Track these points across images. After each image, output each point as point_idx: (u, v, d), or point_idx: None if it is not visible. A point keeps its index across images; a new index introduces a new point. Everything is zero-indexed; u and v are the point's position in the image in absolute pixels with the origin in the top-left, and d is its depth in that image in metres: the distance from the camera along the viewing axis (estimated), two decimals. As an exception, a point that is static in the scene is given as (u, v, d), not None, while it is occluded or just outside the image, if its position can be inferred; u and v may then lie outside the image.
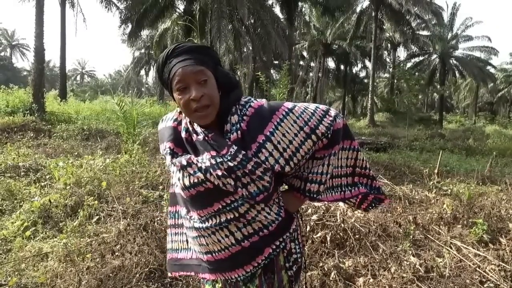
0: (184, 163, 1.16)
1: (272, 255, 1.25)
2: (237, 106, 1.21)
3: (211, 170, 1.12)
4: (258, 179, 1.14)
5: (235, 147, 1.13)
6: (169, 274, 1.46)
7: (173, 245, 1.43)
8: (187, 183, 1.17)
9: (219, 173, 1.12)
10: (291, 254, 1.31)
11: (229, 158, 1.12)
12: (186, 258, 1.38)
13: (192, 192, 1.18)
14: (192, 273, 1.37)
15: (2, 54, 60.84)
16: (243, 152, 1.13)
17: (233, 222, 1.19)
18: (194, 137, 1.19)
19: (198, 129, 1.18)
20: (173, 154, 1.21)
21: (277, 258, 1.29)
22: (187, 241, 1.38)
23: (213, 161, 1.13)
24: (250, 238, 1.21)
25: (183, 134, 1.22)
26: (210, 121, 1.16)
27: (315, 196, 1.27)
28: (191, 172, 1.15)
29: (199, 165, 1.14)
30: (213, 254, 1.25)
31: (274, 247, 1.24)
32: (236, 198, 1.17)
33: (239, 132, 1.16)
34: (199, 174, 1.14)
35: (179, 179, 1.19)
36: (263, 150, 1.14)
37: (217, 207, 1.18)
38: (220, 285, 1.36)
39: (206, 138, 1.16)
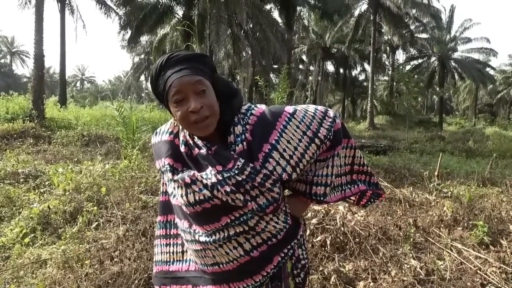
0: (188, 180, 1.09)
1: (281, 263, 1.22)
2: (238, 115, 1.16)
3: (219, 187, 1.06)
4: (267, 191, 1.09)
5: (242, 160, 1.08)
6: None
7: (164, 256, 1.33)
8: (191, 200, 1.10)
9: (228, 189, 1.06)
10: (299, 260, 1.29)
11: (236, 172, 1.06)
12: (181, 270, 1.29)
13: (197, 209, 1.11)
14: (189, 286, 1.28)
15: (2, 61, 60.99)
16: (251, 164, 1.08)
17: (242, 234, 1.15)
18: (196, 151, 1.12)
19: (199, 142, 1.12)
20: (174, 171, 1.14)
21: (285, 265, 1.26)
22: (182, 252, 1.31)
23: (219, 177, 1.06)
24: (259, 247, 1.17)
25: (182, 149, 1.14)
26: (211, 131, 1.10)
27: (321, 198, 1.24)
28: (196, 189, 1.09)
29: (204, 181, 1.08)
30: (220, 266, 1.19)
31: (282, 255, 1.22)
32: (245, 211, 1.12)
33: (244, 143, 1.11)
34: (206, 192, 1.08)
35: (181, 196, 1.13)
36: (270, 160, 1.10)
37: (225, 222, 1.12)
38: None
39: (209, 151, 1.10)
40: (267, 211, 1.12)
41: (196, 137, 1.14)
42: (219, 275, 1.21)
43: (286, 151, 1.13)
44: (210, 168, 1.09)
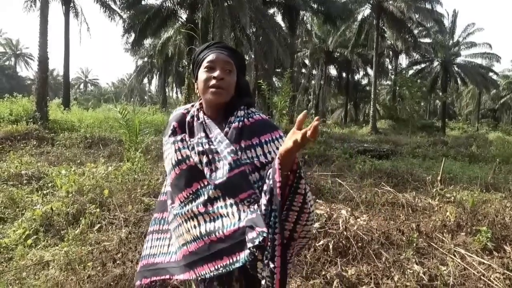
0: (178, 138, 1.34)
1: (229, 267, 1.18)
2: (245, 108, 1.37)
3: (195, 146, 1.28)
4: (223, 158, 1.23)
5: (221, 134, 1.28)
6: (138, 283, 1.45)
7: (152, 250, 1.49)
8: (174, 159, 1.31)
9: (200, 149, 1.27)
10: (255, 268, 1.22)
11: (211, 140, 1.28)
12: (163, 262, 1.42)
13: (176, 170, 1.30)
14: (167, 276, 1.40)
15: (7, 63, 61.30)
16: (226, 140, 1.27)
17: (200, 206, 1.23)
18: (196, 121, 1.35)
19: (201, 115, 1.36)
20: (174, 133, 1.38)
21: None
22: (168, 245, 1.44)
23: (199, 140, 1.29)
24: (210, 236, 1.21)
25: (187, 118, 1.39)
26: (221, 101, 1.32)
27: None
28: (181, 146, 1.31)
29: (189, 142, 1.31)
30: (188, 246, 1.30)
31: (231, 260, 1.18)
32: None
33: (241, 123, 1.31)
34: (186, 150, 1.29)
35: (171, 159, 1.33)
36: (252, 150, 1.28)
37: (195, 188, 1.28)
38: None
39: (204, 123, 1.33)
40: (216, 182, 1.21)
41: (201, 112, 1.37)
42: (187, 258, 1.30)
43: (267, 156, 1.28)
44: (199, 134, 1.32)
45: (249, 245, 1.11)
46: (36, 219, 3.67)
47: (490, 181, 6.61)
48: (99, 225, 3.67)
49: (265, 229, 1.10)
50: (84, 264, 2.83)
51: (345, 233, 3.33)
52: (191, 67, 1.45)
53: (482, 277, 2.89)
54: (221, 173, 1.22)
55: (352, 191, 5.15)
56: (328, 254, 3.12)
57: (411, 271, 2.90)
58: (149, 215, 3.94)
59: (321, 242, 3.21)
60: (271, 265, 1.11)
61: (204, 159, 1.25)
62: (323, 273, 2.83)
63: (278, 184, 1.11)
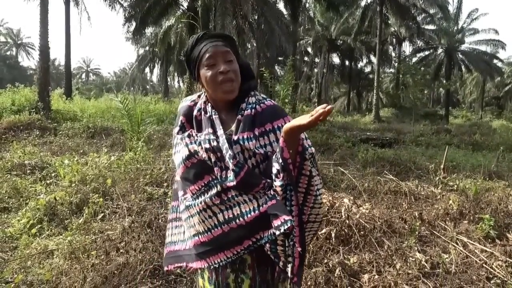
0: (186, 134, 1.31)
1: (252, 247, 1.24)
2: (255, 93, 1.35)
3: (202, 143, 1.24)
4: (230, 158, 1.19)
5: (223, 136, 1.24)
6: (165, 269, 1.50)
7: (172, 238, 1.49)
8: (184, 154, 1.28)
9: (207, 145, 1.23)
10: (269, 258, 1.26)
11: (219, 138, 1.24)
12: (181, 249, 1.43)
13: (187, 164, 1.28)
14: (184, 264, 1.40)
15: (8, 53, 61.16)
16: (234, 138, 1.24)
17: (215, 198, 1.23)
18: (203, 115, 1.32)
19: (209, 109, 1.32)
20: (182, 128, 1.35)
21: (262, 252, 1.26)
22: (183, 233, 1.44)
23: (206, 137, 1.25)
24: (230, 223, 1.23)
25: (195, 112, 1.35)
26: (233, 96, 1.28)
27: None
28: (188, 142, 1.28)
29: (196, 138, 1.28)
30: (199, 236, 1.30)
31: (254, 240, 1.23)
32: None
33: (253, 110, 1.28)
34: (194, 145, 1.26)
35: (180, 152, 1.31)
36: (265, 137, 1.26)
37: (207, 180, 1.26)
38: (207, 274, 1.34)
39: (211, 118, 1.30)
40: (226, 184, 1.21)
41: (209, 105, 1.33)
42: (199, 247, 1.31)
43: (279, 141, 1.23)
44: (206, 129, 1.29)
45: (277, 232, 1.15)
46: (40, 208, 3.70)
47: (494, 169, 6.59)
48: (102, 214, 3.70)
49: (290, 217, 1.15)
50: (88, 253, 2.85)
51: (347, 221, 3.34)
52: (186, 65, 1.38)
53: (484, 264, 2.90)
54: (231, 176, 1.21)
55: (355, 179, 5.15)
56: (330, 243, 3.13)
57: (413, 259, 2.90)
58: (152, 204, 3.96)
59: (323, 231, 3.22)
60: (297, 247, 1.18)
61: (213, 157, 1.23)
62: (325, 261, 2.84)
63: (289, 161, 1.15)
